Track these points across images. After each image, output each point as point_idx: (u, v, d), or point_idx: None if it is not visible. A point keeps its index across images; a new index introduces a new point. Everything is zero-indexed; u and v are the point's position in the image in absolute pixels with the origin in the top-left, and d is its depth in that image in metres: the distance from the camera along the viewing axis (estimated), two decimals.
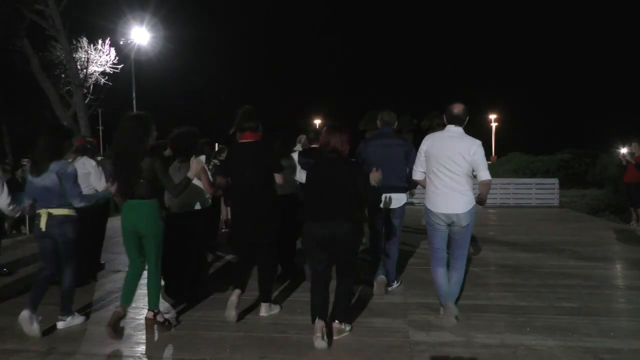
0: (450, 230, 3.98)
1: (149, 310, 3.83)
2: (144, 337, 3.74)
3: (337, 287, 3.70)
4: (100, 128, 38.90)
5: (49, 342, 3.64)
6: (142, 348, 3.54)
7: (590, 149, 22.42)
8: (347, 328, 3.70)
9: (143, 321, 3.96)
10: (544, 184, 13.40)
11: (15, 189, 8.10)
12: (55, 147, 3.85)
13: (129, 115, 3.87)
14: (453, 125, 3.98)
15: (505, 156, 26.48)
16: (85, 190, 4.52)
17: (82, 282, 4.84)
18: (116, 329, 3.69)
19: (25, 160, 7.08)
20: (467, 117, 4.04)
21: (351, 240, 3.60)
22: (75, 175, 3.86)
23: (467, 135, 3.99)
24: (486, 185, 3.93)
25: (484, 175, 3.88)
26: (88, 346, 3.57)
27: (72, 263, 3.92)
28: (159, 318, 3.84)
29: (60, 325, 3.92)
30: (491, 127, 72.47)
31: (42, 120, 20.33)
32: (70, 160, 4.16)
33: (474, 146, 3.85)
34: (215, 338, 3.69)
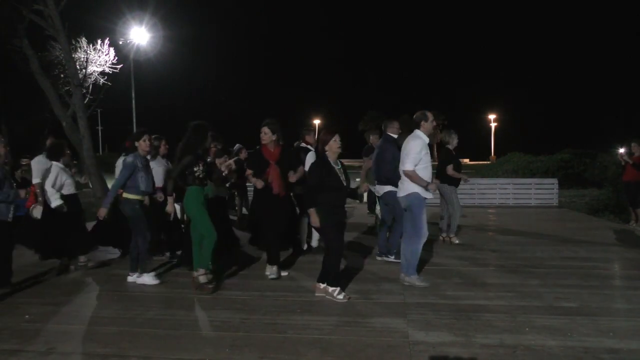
0: None
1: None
2: (144, 337, 3.73)
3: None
4: (100, 128, 38.94)
5: (48, 342, 3.63)
6: (142, 348, 3.53)
7: (590, 149, 22.41)
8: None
9: (144, 320, 3.98)
10: (543, 184, 13.39)
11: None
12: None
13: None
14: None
15: (505, 156, 26.45)
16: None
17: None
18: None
19: (24, 160, 7.06)
20: (417, 123, 5.10)
21: None
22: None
23: (413, 136, 5.05)
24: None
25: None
26: (88, 346, 3.57)
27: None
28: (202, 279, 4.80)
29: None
30: (491, 127, 72.61)
31: (42, 120, 20.34)
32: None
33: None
34: (215, 338, 3.70)
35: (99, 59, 16.00)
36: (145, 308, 4.40)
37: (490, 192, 13.39)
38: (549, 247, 7.07)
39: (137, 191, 4.98)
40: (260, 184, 5.08)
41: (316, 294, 4.63)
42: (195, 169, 4.74)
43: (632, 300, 4.55)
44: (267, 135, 5.13)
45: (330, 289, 4.58)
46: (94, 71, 15.90)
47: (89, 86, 15.44)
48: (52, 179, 5.49)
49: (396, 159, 5.40)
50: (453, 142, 7.31)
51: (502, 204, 13.11)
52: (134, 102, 20.96)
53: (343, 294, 4.57)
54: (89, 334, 3.80)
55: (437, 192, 7.27)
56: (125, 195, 4.99)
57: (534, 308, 4.31)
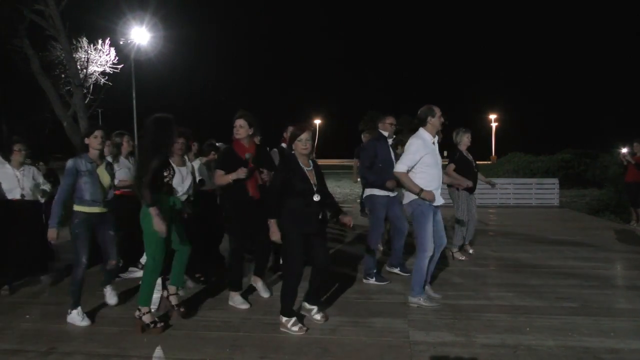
0: None
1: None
2: (144, 336, 3.73)
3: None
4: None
5: (48, 342, 3.63)
6: (142, 348, 3.53)
7: (591, 149, 22.39)
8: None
9: (143, 320, 3.98)
10: (544, 184, 13.38)
11: None
12: None
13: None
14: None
15: (505, 156, 26.42)
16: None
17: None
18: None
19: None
20: (423, 119, 4.48)
21: None
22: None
23: (413, 135, 4.47)
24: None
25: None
26: (88, 346, 3.57)
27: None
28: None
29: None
30: (491, 127, 72.58)
31: (42, 120, 20.35)
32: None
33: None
34: (215, 338, 3.69)
35: (99, 59, 15.98)
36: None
37: (491, 192, 13.36)
38: (549, 247, 7.06)
39: (80, 201, 4.08)
40: (243, 172, 4.19)
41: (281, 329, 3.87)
42: (165, 174, 3.84)
43: (633, 300, 4.54)
44: (242, 129, 4.32)
45: (284, 319, 3.81)
46: (94, 71, 15.89)
47: (89, 86, 15.43)
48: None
49: (379, 159, 5.12)
50: (462, 141, 6.38)
51: (503, 204, 13.11)
52: (134, 102, 20.96)
53: (299, 325, 3.80)
54: (89, 334, 3.80)
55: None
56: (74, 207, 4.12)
57: (535, 308, 4.30)
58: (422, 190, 4.26)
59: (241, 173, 4.19)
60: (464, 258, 6.29)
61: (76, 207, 4.08)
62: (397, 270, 5.51)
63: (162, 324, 3.88)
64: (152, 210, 3.63)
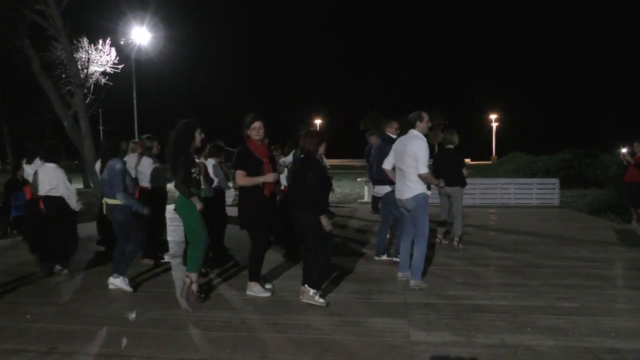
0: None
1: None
2: (144, 336, 3.74)
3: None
4: (101, 128, 38.94)
5: (49, 342, 3.64)
6: (142, 348, 3.54)
7: (591, 149, 22.39)
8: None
9: (145, 320, 3.98)
10: (544, 184, 13.38)
11: (15, 189, 8.11)
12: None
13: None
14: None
15: (506, 156, 26.44)
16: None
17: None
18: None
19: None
20: (412, 123, 5.04)
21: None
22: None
23: (414, 136, 4.94)
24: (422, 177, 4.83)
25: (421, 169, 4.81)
26: (88, 346, 3.57)
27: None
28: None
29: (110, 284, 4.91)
30: (492, 127, 72.61)
31: (43, 120, 20.36)
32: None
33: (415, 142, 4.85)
34: (215, 338, 3.69)
35: (100, 59, 15.99)
36: (146, 308, 4.40)
37: (492, 192, 13.38)
38: (550, 247, 7.06)
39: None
40: (274, 177, 4.56)
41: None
42: (193, 170, 4.42)
43: (633, 300, 4.54)
44: (262, 129, 4.57)
45: (312, 291, 4.41)
46: (95, 71, 15.89)
47: (90, 86, 15.44)
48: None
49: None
50: (456, 142, 7.06)
51: (504, 204, 13.11)
52: (135, 102, 20.98)
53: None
54: (90, 334, 3.80)
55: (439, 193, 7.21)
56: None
57: (535, 308, 4.30)
58: (440, 179, 5.19)
59: (271, 177, 4.52)
60: (446, 242, 7.16)
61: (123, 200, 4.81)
62: (384, 257, 6.18)
63: (203, 295, 4.61)
64: (193, 199, 4.35)
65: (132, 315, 4.23)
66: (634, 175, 9.16)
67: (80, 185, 19.31)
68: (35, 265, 5.78)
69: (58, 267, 5.67)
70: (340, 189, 19.62)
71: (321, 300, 4.37)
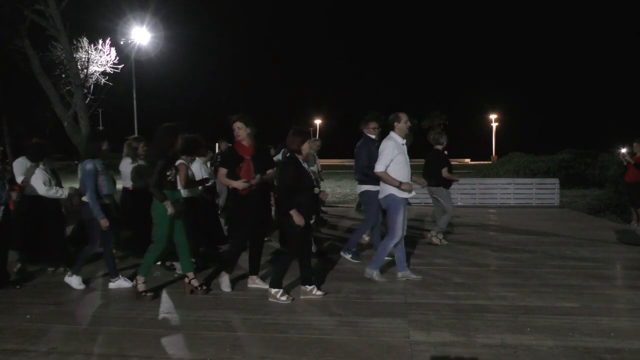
0: None
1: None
2: (145, 336, 3.74)
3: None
4: (101, 128, 38.98)
5: (49, 342, 3.63)
6: (142, 348, 3.54)
7: (591, 149, 22.38)
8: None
9: (145, 320, 3.98)
10: (544, 184, 13.37)
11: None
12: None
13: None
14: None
15: (506, 156, 26.41)
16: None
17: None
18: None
19: None
20: (390, 125, 5.20)
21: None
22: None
23: (387, 138, 5.15)
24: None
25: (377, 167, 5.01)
26: (88, 346, 3.57)
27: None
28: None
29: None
30: (492, 127, 72.62)
31: (43, 120, 20.34)
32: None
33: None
34: (215, 338, 3.69)
35: (100, 59, 15.98)
36: (146, 308, 4.40)
37: (492, 192, 13.38)
38: (550, 247, 7.06)
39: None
40: (241, 185, 4.59)
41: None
42: (168, 173, 4.54)
43: (633, 300, 4.54)
44: (241, 129, 4.72)
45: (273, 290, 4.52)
46: (95, 71, 15.88)
47: (90, 86, 15.43)
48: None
49: (372, 158, 5.44)
50: (444, 142, 7.16)
51: (503, 204, 13.10)
52: (135, 102, 20.98)
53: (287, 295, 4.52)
54: (90, 334, 3.80)
55: (428, 194, 7.42)
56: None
57: (535, 308, 4.30)
58: (400, 183, 4.93)
59: (239, 185, 4.61)
60: (446, 243, 7.16)
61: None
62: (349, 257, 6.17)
63: (151, 293, 4.66)
64: (166, 203, 4.43)
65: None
66: (634, 175, 9.15)
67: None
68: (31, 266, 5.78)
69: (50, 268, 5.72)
70: (340, 189, 19.62)
71: (282, 298, 4.47)
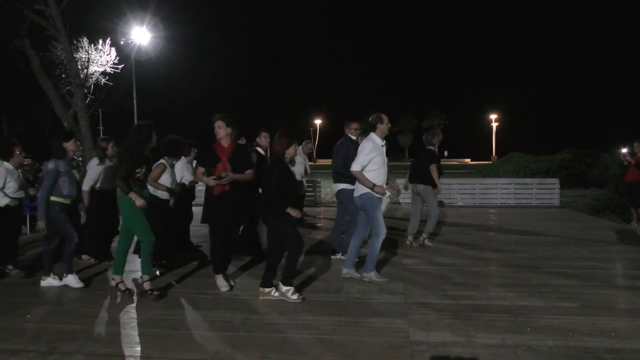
0: None
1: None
2: (145, 336, 3.74)
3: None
4: (101, 128, 38.97)
5: (49, 342, 3.63)
6: (143, 348, 3.54)
7: (591, 149, 22.36)
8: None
9: (145, 320, 3.98)
10: (544, 184, 13.37)
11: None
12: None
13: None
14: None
15: (506, 156, 26.42)
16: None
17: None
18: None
19: (26, 160, 7.05)
20: (372, 126, 5.21)
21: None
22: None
23: (366, 139, 5.20)
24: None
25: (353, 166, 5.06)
26: (88, 346, 3.57)
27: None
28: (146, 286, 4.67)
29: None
30: (492, 127, 72.63)
31: (43, 120, 20.35)
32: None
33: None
34: (215, 338, 3.69)
35: (100, 59, 15.99)
36: (146, 308, 4.40)
37: (492, 192, 13.38)
38: (550, 247, 7.06)
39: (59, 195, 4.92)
40: (211, 182, 4.68)
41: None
42: (137, 170, 4.60)
43: (633, 300, 4.54)
44: (221, 129, 4.77)
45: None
46: (95, 71, 15.90)
47: (90, 86, 15.45)
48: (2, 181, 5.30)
49: (348, 158, 5.48)
50: (437, 143, 7.08)
51: (504, 204, 13.10)
52: (135, 102, 20.98)
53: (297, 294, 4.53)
54: (90, 334, 3.80)
55: (409, 191, 7.46)
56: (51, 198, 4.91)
57: (535, 308, 4.30)
58: (374, 185, 4.95)
59: (209, 182, 4.71)
60: (431, 245, 7.09)
61: (54, 199, 4.88)
62: (339, 256, 6.14)
63: (157, 292, 4.64)
64: (131, 195, 4.48)
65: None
66: (634, 175, 9.15)
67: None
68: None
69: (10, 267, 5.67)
70: None
71: (293, 297, 4.48)
